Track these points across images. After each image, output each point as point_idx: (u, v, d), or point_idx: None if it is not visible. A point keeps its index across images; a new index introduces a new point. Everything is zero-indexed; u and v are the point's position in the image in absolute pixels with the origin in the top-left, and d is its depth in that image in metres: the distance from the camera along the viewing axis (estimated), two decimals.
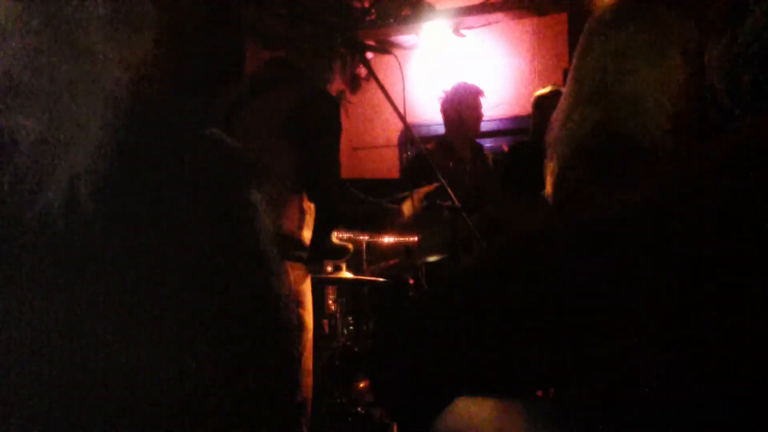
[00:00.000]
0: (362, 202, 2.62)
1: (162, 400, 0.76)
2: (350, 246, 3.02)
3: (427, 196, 2.81)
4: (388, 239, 4.14)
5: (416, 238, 3.55)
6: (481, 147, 4.21)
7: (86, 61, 0.73)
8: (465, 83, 4.17)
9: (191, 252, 0.77)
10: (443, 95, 4.20)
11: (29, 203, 0.71)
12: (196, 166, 0.80)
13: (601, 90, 1.08)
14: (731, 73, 0.70)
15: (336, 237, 3.11)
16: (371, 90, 5.29)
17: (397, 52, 4.31)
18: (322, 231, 2.81)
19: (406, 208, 2.77)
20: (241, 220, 0.83)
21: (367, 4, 4.74)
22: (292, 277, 2.52)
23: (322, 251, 2.96)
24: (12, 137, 0.70)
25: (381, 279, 3.53)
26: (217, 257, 0.79)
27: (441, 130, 4.36)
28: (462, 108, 4.04)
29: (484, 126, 4.31)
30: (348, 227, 3.20)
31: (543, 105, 3.73)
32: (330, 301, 3.91)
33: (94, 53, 0.72)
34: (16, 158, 0.71)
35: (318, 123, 2.54)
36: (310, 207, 2.66)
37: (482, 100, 4.13)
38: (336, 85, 5.47)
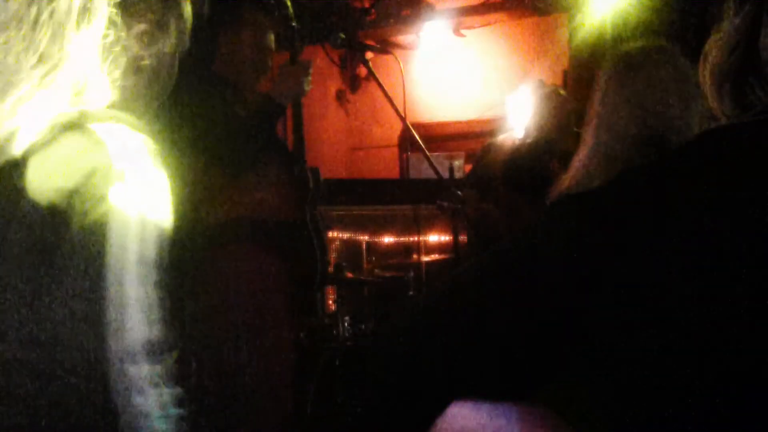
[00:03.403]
0: None
1: None
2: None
3: None
4: (388, 239, 4.14)
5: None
6: None
7: None
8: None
9: None
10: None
11: None
12: None
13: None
14: (717, 82, 0.75)
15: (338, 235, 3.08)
16: (371, 90, 5.30)
17: (397, 52, 4.31)
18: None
19: None
20: None
21: (367, 4, 4.74)
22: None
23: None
24: None
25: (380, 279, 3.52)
26: None
27: (441, 129, 4.35)
28: None
29: (484, 126, 4.31)
30: None
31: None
32: (330, 301, 3.91)
33: None
34: None
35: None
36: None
37: (481, 100, 4.09)
38: (336, 85, 5.48)
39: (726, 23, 0.75)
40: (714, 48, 0.76)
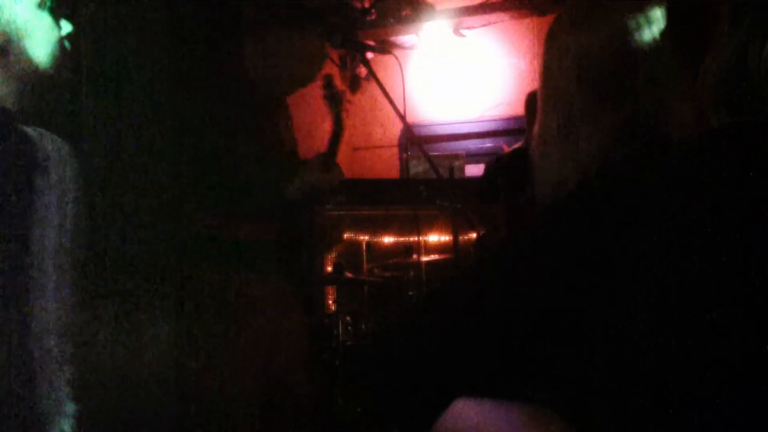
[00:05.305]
0: None
1: None
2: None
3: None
4: (388, 239, 4.14)
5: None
6: None
7: None
8: None
9: None
10: None
11: None
12: None
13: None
14: (716, 89, 0.77)
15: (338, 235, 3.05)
16: (371, 90, 5.29)
17: (397, 52, 4.31)
18: None
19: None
20: None
21: (367, 4, 4.74)
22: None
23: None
24: None
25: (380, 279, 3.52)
26: None
27: (441, 129, 4.35)
28: None
29: (485, 126, 4.31)
30: None
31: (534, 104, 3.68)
32: (330, 301, 3.92)
33: None
34: None
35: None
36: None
37: (481, 100, 4.10)
38: (336, 85, 5.46)
39: (721, 40, 0.77)
40: (711, 63, 0.78)
